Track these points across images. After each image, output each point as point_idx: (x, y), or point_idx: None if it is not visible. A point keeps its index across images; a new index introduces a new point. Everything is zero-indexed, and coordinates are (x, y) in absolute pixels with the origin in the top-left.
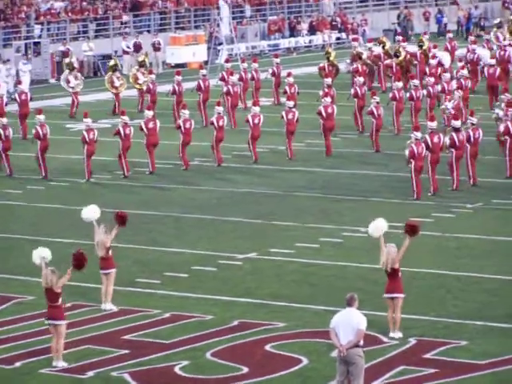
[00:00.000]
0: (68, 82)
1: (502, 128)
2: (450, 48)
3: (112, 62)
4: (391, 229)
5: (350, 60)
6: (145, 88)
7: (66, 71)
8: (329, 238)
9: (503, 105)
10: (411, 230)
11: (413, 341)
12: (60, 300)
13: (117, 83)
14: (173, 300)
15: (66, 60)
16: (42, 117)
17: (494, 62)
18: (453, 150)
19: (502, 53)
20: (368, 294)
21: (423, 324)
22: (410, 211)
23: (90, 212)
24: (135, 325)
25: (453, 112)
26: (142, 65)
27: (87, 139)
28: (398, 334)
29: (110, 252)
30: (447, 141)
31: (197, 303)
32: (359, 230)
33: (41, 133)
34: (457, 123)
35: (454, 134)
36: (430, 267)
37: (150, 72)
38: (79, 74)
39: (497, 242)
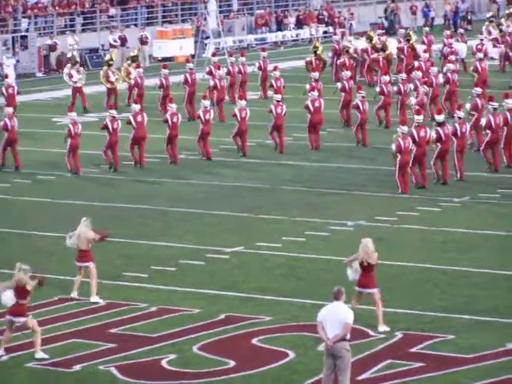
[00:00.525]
0: (70, 76)
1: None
2: (426, 42)
3: (108, 57)
4: (378, 223)
5: (331, 54)
6: (133, 82)
7: (68, 65)
8: (315, 232)
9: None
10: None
11: (399, 335)
12: (28, 298)
13: (112, 78)
14: (160, 294)
15: (68, 54)
16: (10, 109)
17: (481, 55)
18: (439, 144)
19: (479, 46)
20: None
21: (410, 318)
22: (395, 205)
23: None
24: (122, 318)
25: (416, 107)
26: (134, 59)
27: (72, 133)
28: (384, 328)
29: (89, 245)
30: (433, 135)
31: (184, 297)
32: (346, 224)
33: (9, 124)
34: (440, 117)
35: (439, 129)
36: (416, 261)
37: (137, 66)
38: (82, 68)
39: (483, 236)
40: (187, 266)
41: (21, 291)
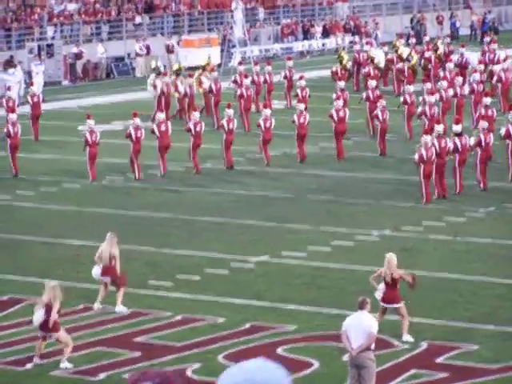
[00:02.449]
0: (155, 86)
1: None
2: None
3: (176, 66)
4: (403, 233)
5: (351, 63)
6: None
7: (153, 75)
8: (340, 242)
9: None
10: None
11: (424, 345)
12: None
13: (180, 88)
14: (184, 302)
15: (153, 64)
16: (14, 116)
17: (505, 65)
18: (456, 154)
19: (492, 56)
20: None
21: (435, 328)
22: (421, 215)
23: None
24: (147, 327)
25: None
26: (178, 73)
27: (90, 141)
28: (409, 338)
29: (114, 262)
30: (450, 145)
31: (208, 306)
32: (371, 234)
33: (12, 131)
34: (458, 128)
35: (456, 139)
36: (441, 271)
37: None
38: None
39: (508, 247)
40: (212, 274)
41: (50, 308)
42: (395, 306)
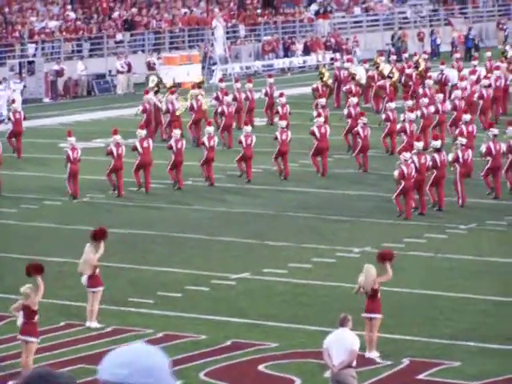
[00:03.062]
0: (172, 104)
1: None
2: (406, 68)
3: (171, 83)
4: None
5: (332, 80)
6: (181, 111)
7: (173, 96)
8: (321, 259)
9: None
10: (384, 257)
11: (406, 361)
12: (36, 317)
13: (176, 104)
14: (166, 319)
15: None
16: None
17: (486, 82)
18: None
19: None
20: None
21: (416, 345)
22: (402, 232)
23: None
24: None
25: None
26: (200, 86)
27: (71, 158)
28: (375, 354)
29: (98, 270)
30: (449, 158)
31: (190, 323)
32: (352, 251)
33: None
34: (437, 144)
35: (435, 155)
36: (423, 288)
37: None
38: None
39: (489, 263)
40: (193, 292)
41: (28, 310)
42: (375, 316)
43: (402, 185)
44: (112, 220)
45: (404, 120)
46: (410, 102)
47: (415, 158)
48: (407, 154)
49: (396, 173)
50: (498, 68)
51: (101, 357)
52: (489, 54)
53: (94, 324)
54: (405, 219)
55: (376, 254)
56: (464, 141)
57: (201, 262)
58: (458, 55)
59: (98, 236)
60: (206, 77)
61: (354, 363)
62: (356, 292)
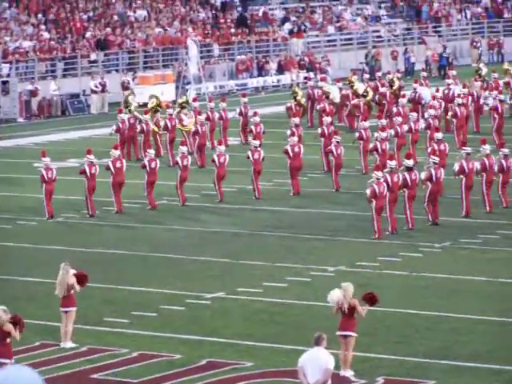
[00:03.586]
0: (181, 120)
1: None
2: (380, 86)
3: (182, 99)
4: (359, 268)
5: (305, 99)
6: (193, 129)
7: (178, 109)
8: (296, 277)
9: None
10: (370, 299)
11: (381, 380)
12: (8, 339)
13: (186, 121)
14: (141, 339)
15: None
16: None
17: (460, 100)
18: (406, 189)
19: (446, 91)
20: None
21: (391, 363)
22: (377, 251)
23: None
24: (103, 364)
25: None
26: (183, 106)
27: (46, 178)
28: (350, 373)
29: (72, 291)
30: (421, 177)
31: (165, 342)
32: (327, 270)
33: None
34: (409, 162)
35: (406, 174)
36: (397, 306)
37: (119, 111)
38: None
39: (464, 282)
40: (168, 311)
41: (0, 332)
42: (350, 333)
43: (375, 204)
44: (86, 240)
45: (376, 139)
46: (383, 121)
47: (388, 177)
48: (379, 173)
49: (368, 192)
50: (464, 86)
51: (75, 376)
52: (454, 72)
53: (69, 344)
54: (376, 238)
55: (364, 295)
56: (437, 159)
57: (175, 282)
58: (424, 73)
59: (83, 280)
60: (185, 96)
61: (329, 382)
62: (336, 312)
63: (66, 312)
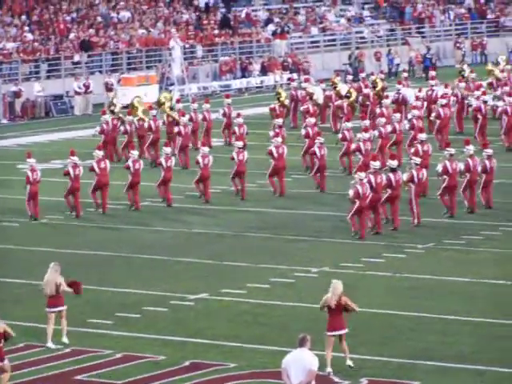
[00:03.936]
0: (130, 125)
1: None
2: (363, 87)
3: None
4: (343, 269)
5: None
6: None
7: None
8: (280, 279)
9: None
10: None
11: (364, 381)
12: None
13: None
14: (125, 340)
15: (114, 101)
16: None
17: (444, 101)
18: (389, 190)
19: (430, 92)
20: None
21: (375, 364)
22: (361, 252)
23: None
24: (88, 365)
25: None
26: (171, 108)
27: (31, 179)
28: (350, 362)
29: (61, 290)
30: (404, 177)
31: (149, 344)
32: (310, 271)
33: None
34: (393, 163)
35: (390, 175)
36: (381, 307)
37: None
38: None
39: (448, 282)
40: (152, 312)
41: None
42: (341, 332)
43: (357, 204)
44: (70, 241)
45: (359, 139)
46: (366, 122)
47: (371, 178)
48: (362, 174)
49: (351, 192)
50: (446, 86)
51: (59, 378)
52: (433, 73)
53: (65, 340)
54: (359, 239)
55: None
56: (418, 160)
57: (159, 283)
58: (406, 74)
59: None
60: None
61: (313, 383)
62: (321, 308)
63: (55, 312)
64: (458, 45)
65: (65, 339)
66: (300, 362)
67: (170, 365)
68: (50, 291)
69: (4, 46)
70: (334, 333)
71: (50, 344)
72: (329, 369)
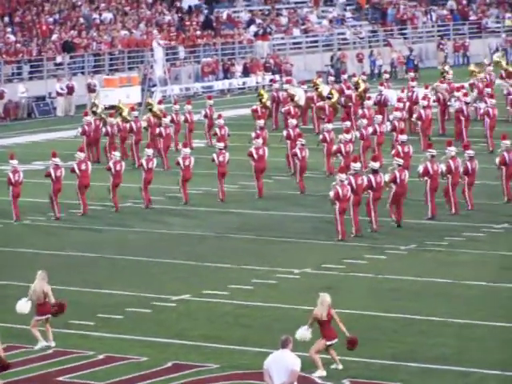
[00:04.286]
0: (111, 127)
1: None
2: (345, 89)
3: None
4: (325, 271)
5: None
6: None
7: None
8: (262, 280)
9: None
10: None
11: (347, 382)
12: None
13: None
14: (107, 342)
15: (96, 102)
16: None
17: (426, 103)
18: (370, 191)
19: (410, 94)
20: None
21: (358, 365)
22: (342, 253)
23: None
24: (70, 366)
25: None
26: (150, 108)
27: (12, 181)
28: (340, 366)
29: (47, 298)
30: (386, 178)
31: (131, 345)
32: (292, 272)
33: None
34: (375, 165)
35: (371, 176)
36: (363, 309)
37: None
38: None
39: (430, 284)
40: (134, 313)
41: None
42: (335, 341)
43: (338, 206)
44: (52, 242)
45: (340, 141)
46: (347, 123)
47: (352, 179)
48: (343, 175)
49: (331, 194)
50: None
51: (42, 379)
52: (412, 74)
53: (53, 343)
54: (340, 240)
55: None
56: (400, 161)
57: (141, 284)
58: (387, 75)
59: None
60: (151, 99)
61: None
62: (311, 324)
63: (43, 319)
64: (441, 46)
65: (52, 343)
66: (282, 362)
67: (153, 366)
68: (37, 299)
69: None
70: (331, 342)
71: (43, 343)
72: (322, 372)
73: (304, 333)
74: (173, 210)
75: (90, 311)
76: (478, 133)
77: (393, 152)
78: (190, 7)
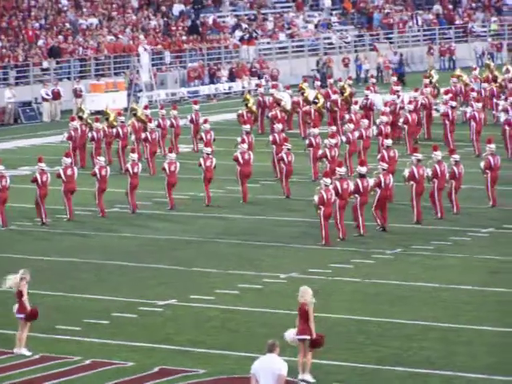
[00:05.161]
0: (97, 132)
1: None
2: (331, 93)
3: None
4: (311, 275)
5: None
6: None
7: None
8: (248, 285)
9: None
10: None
11: None
12: None
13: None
14: (93, 347)
15: (82, 108)
16: None
17: (411, 107)
18: (357, 195)
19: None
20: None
21: (343, 370)
22: (329, 257)
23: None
24: (56, 372)
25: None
26: (136, 114)
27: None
28: (308, 377)
29: (23, 298)
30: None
31: (117, 350)
32: (279, 277)
33: None
34: (362, 169)
35: (358, 181)
36: (349, 313)
37: (73, 119)
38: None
39: (416, 288)
40: (120, 319)
41: None
42: (307, 337)
43: (323, 210)
44: (39, 247)
45: (325, 145)
46: (333, 128)
47: (337, 184)
48: (328, 180)
49: (316, 198)
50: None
51: None
52: (394, 78)
53: (24, 351)
54: (324, 245)
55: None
56: (385, 166)
57: (128, 289)
58: (373, 80)
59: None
60: (137, 104)
61: None
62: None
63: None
64: (431, 51)
65: (19, 350)
66: (269, 367)
67: (139, 371)
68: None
69: None
70: (299, 337)
71: (16, 350)
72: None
73: (293, 337)
74: (159, 214)
75: (76, 316)
76: (465, 137)
77: (379, 156)
78: (180, 13)
